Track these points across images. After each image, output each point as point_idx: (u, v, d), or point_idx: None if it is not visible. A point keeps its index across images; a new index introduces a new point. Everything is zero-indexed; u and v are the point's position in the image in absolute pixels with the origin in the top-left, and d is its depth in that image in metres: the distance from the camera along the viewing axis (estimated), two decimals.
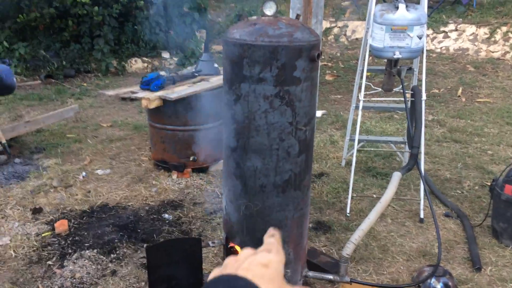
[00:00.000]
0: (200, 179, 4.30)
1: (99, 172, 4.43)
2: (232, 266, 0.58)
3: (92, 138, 5.42)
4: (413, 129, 3.28)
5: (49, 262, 3.03)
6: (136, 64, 9.25)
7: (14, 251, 3.15)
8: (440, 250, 2.48)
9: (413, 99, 3.51)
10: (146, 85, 4.22)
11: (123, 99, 7.00)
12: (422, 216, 3.57)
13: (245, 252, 0.61)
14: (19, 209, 3.69)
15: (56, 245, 3.23)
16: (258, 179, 2.21)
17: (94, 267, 2.98)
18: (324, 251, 3.14)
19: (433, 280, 2.69)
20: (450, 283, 2.70)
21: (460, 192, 4.07)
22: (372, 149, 4.80)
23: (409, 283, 2.84)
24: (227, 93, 2.19)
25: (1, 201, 3.82)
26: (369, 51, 3.66)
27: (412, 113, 3.58)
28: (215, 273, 0.60)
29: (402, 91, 3.43)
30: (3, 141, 4.55)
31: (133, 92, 4.25)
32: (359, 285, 2.57)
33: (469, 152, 4.94)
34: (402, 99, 3.45)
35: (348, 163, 4.54)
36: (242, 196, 2.27)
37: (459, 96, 7.27)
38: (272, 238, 0.65)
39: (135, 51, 9.31)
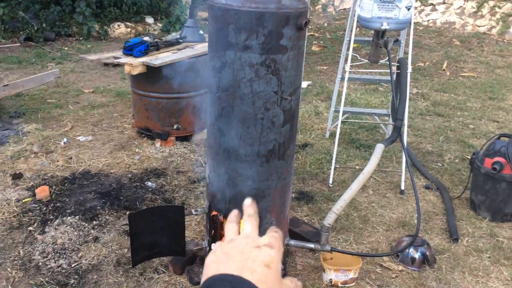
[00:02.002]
0: (184, 147, 4.27)
1: (81, 138, 4.36)
2: (234, 258, 0.56)
3: (74, 104, 5.31)
4: (398, 102, 3.29)
5: (30, 228, 3.01)
6: (119, 29, 9.01)
7: None
8: (419, 221, 2.53)
9: (398, 71, 3.50)
10: (129, 51, 4.12)
11: (106, 64, 6.85)
12: (403, 187, 3.63)
13: (247, 240, 0.58)
14: None
15: (37, 211, 3.20)
16: (242, 148, 2.19)
17: (76, 233, 2.97)
18: (306, 221, 3.18)
19: (411, 249, 2.76)
20: (427, 253, 2.77)
21: (440, 165, 4.14)
22: (356, 121, 4.82)
23: (388, 252, 2.90)
24: (212, 60, 2.15)
25: None
26: (357, 21, 3.62)
27: (397, 86, 3.58)
28: (212, 260, 0.57)
29: (388, 63, 3.42)
30: None
31: (115, 58, 4.15)
32: (339, 253, 2.62)
33: (451, 126, 5.00)
34: (388, 71, 3.44)
35: (332, 135, 4.56)
36: (225, 165, 2.26)
37: (444, 70, 7.30)
38: (275, 233, 0.63)
39: (118, 15, 9.05)
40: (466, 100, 5.86)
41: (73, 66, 6.90)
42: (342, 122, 4.11)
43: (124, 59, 4.01)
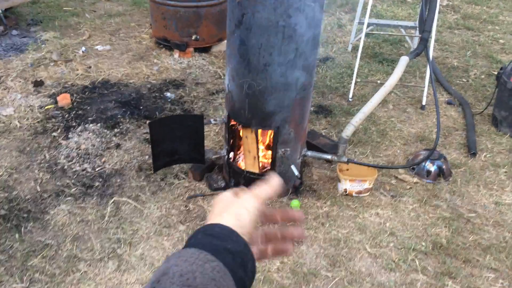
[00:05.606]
0: (203, 59, 4.21)
1: (99, 48, 4.32)
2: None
3: (90, 12, 5.19)
4: (426, 13, 3.12)
5: (54, 134, 3.10)
6: None
7: (18, 122, 3.20)
8: (438, 134, 2.51)
9: None
10: None
11: None
12: (424, 103, 3.57)
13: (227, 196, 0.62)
14: (20, 81, 3.67)
15: (60, 117, 3.27)
16: (262, 58, 2.15)
17: (98, 140, 3.05)
18: (324, 134, 3.19)
19: (427, 162, 2.77)
20: (444, 166, 2.79)
21: (465, 80, 4.02)
22: (381, 33, 4.63)
23: (404, 164, 2.93)
24: None
25: (1, 72, 3.79)
26: None
27: None
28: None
29: None
30: None
31: None
32: (355, 165, 2.65)
33: (480, 40, 4.78)
34: None
35: (355, 48, 4.42)
36: (245, 75, 2.23)
37: None
38: (266, 185, 0.63)
39: None
40: (499, 13, 5.53)
41: None
42: (366, 35, 3.95)
43: None
